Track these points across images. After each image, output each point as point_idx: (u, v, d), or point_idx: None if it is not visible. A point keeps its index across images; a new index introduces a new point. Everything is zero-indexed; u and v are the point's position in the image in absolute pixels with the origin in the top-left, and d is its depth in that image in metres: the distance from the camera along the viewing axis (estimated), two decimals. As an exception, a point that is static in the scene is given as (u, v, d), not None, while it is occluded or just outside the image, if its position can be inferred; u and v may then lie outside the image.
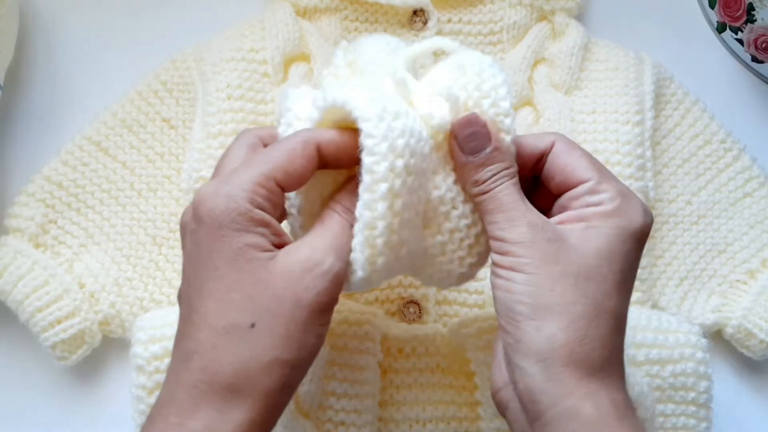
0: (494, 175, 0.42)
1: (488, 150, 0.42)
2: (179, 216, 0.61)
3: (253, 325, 0.39)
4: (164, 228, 0.62)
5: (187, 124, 0.63)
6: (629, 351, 0.55)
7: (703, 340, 0.57)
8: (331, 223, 0.42)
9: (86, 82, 0.65)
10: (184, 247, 0.44)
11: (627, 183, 0.60)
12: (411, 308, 0.59)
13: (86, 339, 0.59)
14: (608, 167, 0.59)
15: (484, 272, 0.59)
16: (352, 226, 0.42)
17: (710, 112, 0.67)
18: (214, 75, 0.61)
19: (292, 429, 0.52)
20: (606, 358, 0.39)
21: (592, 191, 0.42)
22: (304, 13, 0.64)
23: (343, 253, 0.41)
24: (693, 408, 0.56)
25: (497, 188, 0.42)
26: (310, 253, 0.40)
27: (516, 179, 0.43)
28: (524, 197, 0.43)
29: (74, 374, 0.61)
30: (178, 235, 0.61)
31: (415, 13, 0.64)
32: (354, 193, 0.42)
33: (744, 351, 0.63)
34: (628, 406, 0.39)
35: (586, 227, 0.41)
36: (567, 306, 0.39)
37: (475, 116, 0.42)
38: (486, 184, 0.42)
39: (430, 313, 0.59)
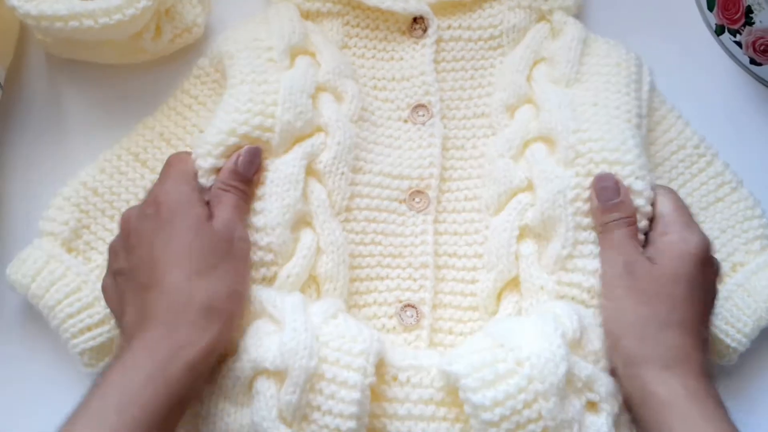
0: (614, 220, 0.56)
1: (614, 201, 0.56)
2: None
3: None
4: None
5: None
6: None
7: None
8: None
9: (86, 82, 0.65)
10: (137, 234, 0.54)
11: (627, 181, 0.58)
12: (408, 311, 0.59)
13: (114, 348, 0.59)
14: (606, 167, 0.58)
15: (478, 275, 0.60)
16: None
17: (685, 119, 0.65)
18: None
19: None
20: (674, 355, 0.52)
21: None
22: (307, 16, 0.64)
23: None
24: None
25: (614, 230, 0.56)
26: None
27: (633, 227, 0.56)
28: (636, 239, 0.56)
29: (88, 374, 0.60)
30: None
31: (415, 20, 0.64)
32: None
33: (712, 357, 0.60)
34: (701, 389, 0.51)
35: (659, 254, 0.55)
36: (639, 323, 0.53)
37: (609, 175, 0.57)
38: (606, 226, 0.56)
39: (427, 317, 0.59)
